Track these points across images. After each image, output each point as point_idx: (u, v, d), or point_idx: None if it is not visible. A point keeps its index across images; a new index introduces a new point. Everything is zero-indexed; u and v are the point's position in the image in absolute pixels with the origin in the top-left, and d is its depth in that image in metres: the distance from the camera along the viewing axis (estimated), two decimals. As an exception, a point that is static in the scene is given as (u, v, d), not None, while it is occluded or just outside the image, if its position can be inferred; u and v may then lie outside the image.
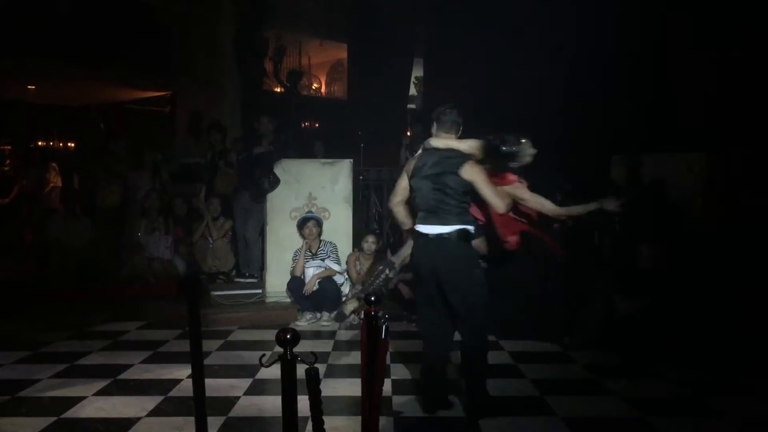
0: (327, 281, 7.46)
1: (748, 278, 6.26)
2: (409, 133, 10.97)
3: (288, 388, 2.51)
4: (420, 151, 4.65)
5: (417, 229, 4.52)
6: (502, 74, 9.96)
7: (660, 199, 7.61)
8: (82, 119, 15.33)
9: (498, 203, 4.43)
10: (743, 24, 8.28)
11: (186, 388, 4.74)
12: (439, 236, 4.42)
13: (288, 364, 2.49)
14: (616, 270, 6.71)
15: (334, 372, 5.51)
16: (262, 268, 8.10)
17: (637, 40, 9.13)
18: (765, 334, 5.74)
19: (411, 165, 4.64)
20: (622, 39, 9.07)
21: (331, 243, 7.67)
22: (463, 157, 4.42)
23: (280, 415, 2.57)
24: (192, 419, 3.69)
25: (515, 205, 4.84)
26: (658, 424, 4.34)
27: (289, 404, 2.52)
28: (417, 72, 11.91)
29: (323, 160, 8.40)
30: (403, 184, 4.71)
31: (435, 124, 4.62)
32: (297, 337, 2.53)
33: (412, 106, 13.39)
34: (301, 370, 2.53)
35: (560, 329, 6.43)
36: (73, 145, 15.66)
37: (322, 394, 2.79)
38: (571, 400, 4.81)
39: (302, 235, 7.62)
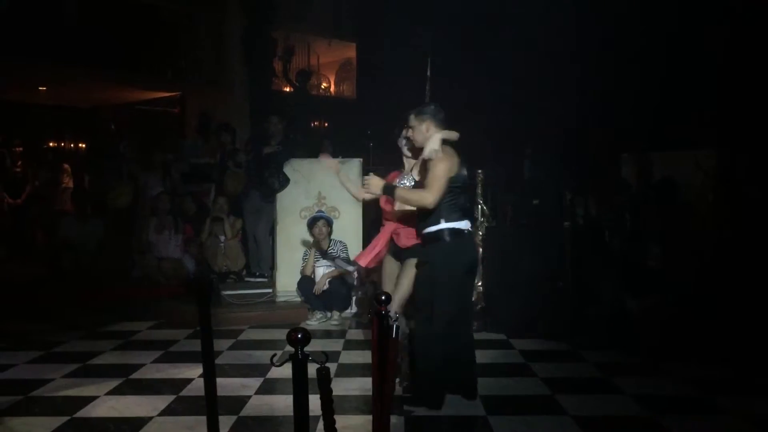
0: (337, 280, 7.48)
1: (758, 276, 6.23)
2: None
3: (299, 388, 2.51)
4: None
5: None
6: (510, 74, 9.94)
7: (669, 197, 7.59)
8: (92, 120, 15.41)
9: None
10: (751, 21, 8.24)
11: (197, 387, 4.76)
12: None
13: (299, 363, 2.50)
14: (626, 268, 6.69)
15: (345, 371, 5.52)
16: (272, 267, 8.13)
17: (646, 38, 9.09)
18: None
19: None
20: (630, 37, 9.04)
21: (341, 242, 7.68)
22: None
23: (292, 414, 2.58)
24: (203, 418, 3.71)
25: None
26: (668, 423, 4.32)
27: (301, 403, 2.53)
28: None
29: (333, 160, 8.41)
30: None
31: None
32: (308, 336, 2.53)
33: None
34: (312, 369, 2.54)
35: (570, 328, 6.43)
36: (83, 146, 15.74)
37: (333, 393, 2.80)
38: (581, 399, 4.81)
39: (312, 235, 7.64)
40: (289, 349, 2.52)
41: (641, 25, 9.06)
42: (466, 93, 9.61)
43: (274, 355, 2.69)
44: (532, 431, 4.26)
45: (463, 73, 10.29)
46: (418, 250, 4.75)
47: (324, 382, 2.69)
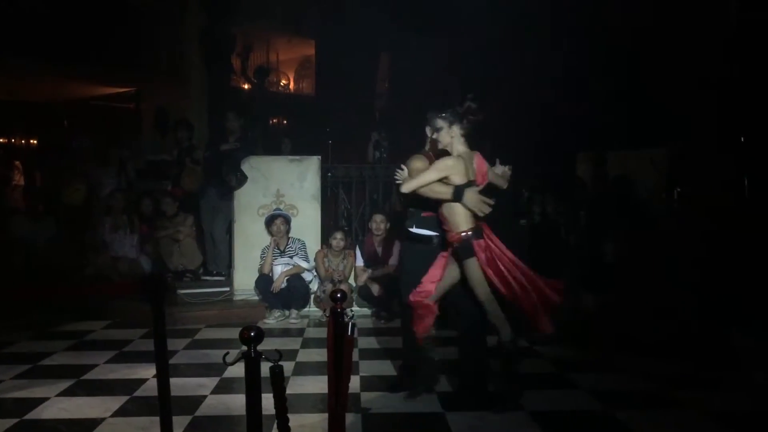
0: (295, 278, 7.44)
1: (712, 271, 6.35)
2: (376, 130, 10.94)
3: (252, 386, 2.50)
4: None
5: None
6: (470, 73, 10.00)
7: (624, 195, 7.71)
8: (45, 116, 15.07)
9: None
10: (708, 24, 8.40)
11: (152, 387, 4.69)
12: None
13: (252, 361, 2.48)
14: (582, 265, 6.78)
15: (302, 369, 5.49)
16: (229, 265, 8.06)
17: (604, 41, 9.22)
18: (729, 327, 5.83)
19: None
20: (589, 39, 9.16)
21: (299, 240, 7.65)
22: None
23: (246, 413, 2.56)
24: (157, 419, 3.66)
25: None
26: (623, 417, 4.38)
27: (253, 402, 2.51)
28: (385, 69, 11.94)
29: (291, 157, 8.38)
30: None
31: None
32: (261, 334, 2.52)
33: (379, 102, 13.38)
34: (266, 367, 2.52)
35: (526, 324, 6.46)
36: (35, 142, 15.40)
37: (290, 391, 2.79)
38: (537, 395, 4.84)
39: (270, 233, 7.59)
40: (245, 347, 2.50)
41: (603, 28, 9.19)
42: (424, 92, 9.66)
43: (227, 353, 2.66)
44: (488, 427, 4.28)
45: (423, 72, 10.34)
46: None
47: (277, 380, 2.67)
